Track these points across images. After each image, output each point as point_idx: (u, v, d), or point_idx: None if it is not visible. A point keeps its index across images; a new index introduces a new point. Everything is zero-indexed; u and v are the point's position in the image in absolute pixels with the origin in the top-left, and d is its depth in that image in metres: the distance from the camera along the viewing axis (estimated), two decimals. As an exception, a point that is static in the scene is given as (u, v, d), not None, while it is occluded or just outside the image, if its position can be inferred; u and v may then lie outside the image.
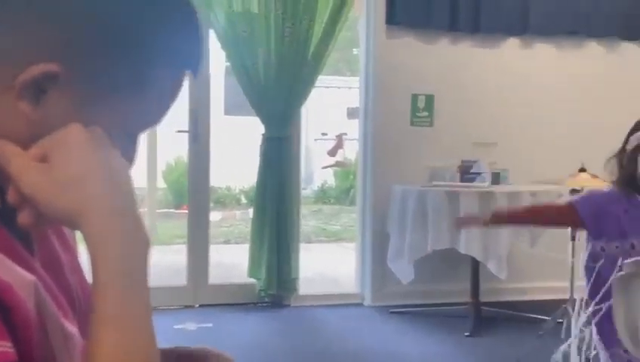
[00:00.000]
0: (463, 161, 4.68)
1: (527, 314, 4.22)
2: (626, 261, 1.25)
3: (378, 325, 4.37)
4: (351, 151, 9.60)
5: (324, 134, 10.95)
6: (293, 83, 4.57)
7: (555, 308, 3.52)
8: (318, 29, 4.58)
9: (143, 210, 8.83)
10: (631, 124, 4.26)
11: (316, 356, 3.79)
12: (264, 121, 4.64)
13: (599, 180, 3.25)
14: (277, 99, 4.56)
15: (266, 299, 4.66)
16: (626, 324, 1.30)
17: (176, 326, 4.09)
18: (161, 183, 9.96)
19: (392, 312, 4.55)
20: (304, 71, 4.59)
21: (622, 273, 1.25)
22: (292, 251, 4.64)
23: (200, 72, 0.83)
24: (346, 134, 7.83)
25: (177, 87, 0.80)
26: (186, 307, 4.62)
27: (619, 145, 4.99)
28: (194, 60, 0.81)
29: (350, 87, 10.18)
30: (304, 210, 10.31)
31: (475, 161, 4.66)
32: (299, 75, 4.57)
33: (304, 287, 4.87)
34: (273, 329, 4.30)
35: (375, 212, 4.80)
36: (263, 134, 4.66)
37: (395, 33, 4.78)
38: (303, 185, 11.58)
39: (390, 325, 4.35)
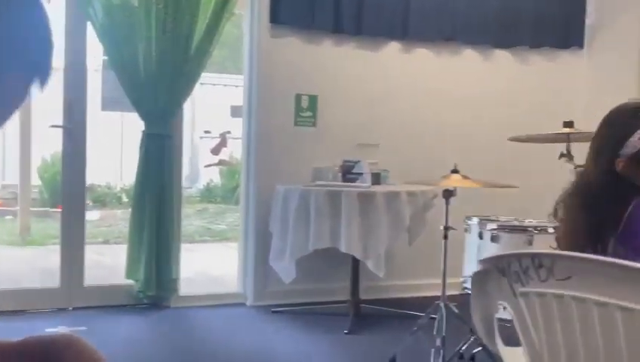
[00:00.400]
0: (344, 161, 4.76)
1: (404, 311, 4.34)
2: (482, 258, 1.30)
3: (259, 325, 4.36)
4: (237, 149, 9.55)
5: (207, 132, 10.85)
6: (174, 79, 4.47)
7: (430, 304, 3.62)
8: (201, 25, 4.51)
9: (15, 209, 8.38)
10: (502, 128, 4.45)
11: (195, 357, 3.72)
12: (144, 117, 4.52)
13: (470, 181, 3.40)
14: (158, 95, 4.45)
15: (145, 301, 4.54)
16: (482, 319, 1.36)
17: (48, 330, 3.90)
18: (36, 180, 9.50)
19: (273, 312, 4.55)
20: (186, 67, 4.50)
21: (479, 269, 1.30)
22: (172, 251, 4.54)
23: (48, 80, 0.79)
24: (229, 132, 7.76)
25: (22, 92, 0.76)
26: (60, 310, 4.42)
27: (491, 147, 5.21)
28: (41, 67, 0.77)
29: (237, 86, 10.11)
30: (189, 209, 10.17)
31: (356, 162, 4.75)
32: (181, 71, 4.48)
33: (186, 288, 4.78)
34: (151, 331, 4.19)
35: (258, 211, 4.78)
36: (143, 131, 4.54)
37: (280, 32, 4.79)
38: (188, 183, 11.40)
39: (271, 324, 4.34)
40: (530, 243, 3.33)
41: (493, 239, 3.41)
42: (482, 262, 1.28)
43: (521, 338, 1.23)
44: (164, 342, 3.95)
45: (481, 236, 3.52)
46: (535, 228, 3.41)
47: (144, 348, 3.82)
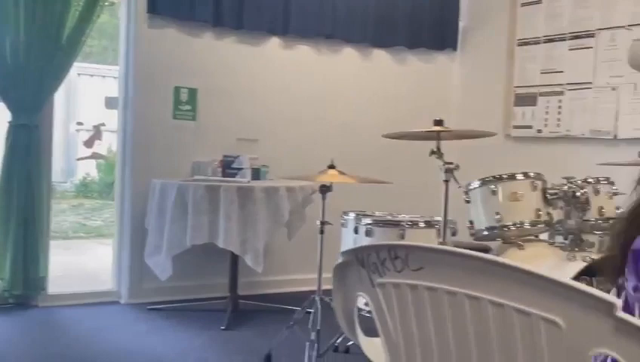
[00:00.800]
0: (224, 156, 4.73)
1: (282, 306, 4.36)
2: (343, 249, 1.32)
3: (134, 323, 4.24)
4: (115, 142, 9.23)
5: (79, 124, 10.42)
6: (44, 69, 4.26)
7: (308, 298, 3.65)
8: (73, 13, 4.32)
9: None
10: (380, 125, 4.56)
11: (64, 358, 3.57)
12: (11, 107, 4.28)
13: (346, 176, 3.45)
14: (26, 85, 4.23)
15: (11, 300, 4.31)
16: (343, 311, 1.38)
17: None
18: None
19: (149, 309, 4.44)
20: (57, 56, 4.30)
21: (339, 261, 1.32)
22: (40, 248, 4.33)
23: None
24: (104, 125, 7.44)
25: None
26: None
27: (369, 144, 5.30)
28: None
29: (116, 77, 9.77)
30: (63, 204, 9.75)
31: (236, 157, 4.73)
32: (51, 61, 4.28)
33: (59, 286, 4.58)
34: (17, 331, 3.97)
35: (134, 207, 4.65)
36: (9, 122, 4.30)
37: (158, 23, 4.67)
38: (62, 178, 10.89)
39: (146, 322, 4.23)
40: (402, 237, 3.42)
41: (368, 233, 3.48)
42: (343, 253, 1.29)
43: (378, 328, 1.26)
44: (31, 343, 3.76)
45: (356, 231, 3.58)
46: (407, 222, 3.51)
47: (9, 350, 3.62)
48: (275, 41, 5.11)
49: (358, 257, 1.26)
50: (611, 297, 0.95)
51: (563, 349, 1.01)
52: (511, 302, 1.04)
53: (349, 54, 5.40)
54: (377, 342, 1.28)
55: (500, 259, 1.03)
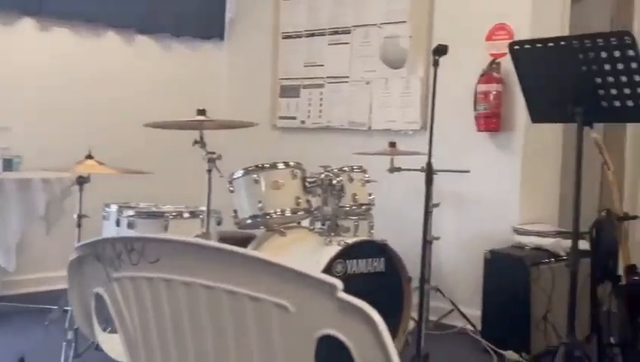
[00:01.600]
0: (-30, 146, 4.31)
1: (39, 306, 4.08)
2: (78, 244, 1.26)
3: None
4: None
5: None
6: None
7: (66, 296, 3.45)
8: None
9: None
10: (143, 114, 4.44)
11: None
12: None
13: (105, 167, 3.31)
14: None
15: None
16: (79, 307, 1.32)
17: None
18: None
19: None
20: None
21: (74, 256, 1.25)
22: None
23: None
24: None
25: None
26: None
27: (132, 133, 5.15)
28: None
29: None
30: None
31: (-16, 146, 4.34)
32: None
33: None
34: None
35: None
36: None
37: None
38: None
39: None
40: (165, 228, 3.36)
41: (130, 226, 3.37)
42: (78, 248, 1.23)
43: (116, 323, 1.22)
44: None
45: (118, 223, 3.45)
46: (171, 213, 3.45)
47: None
48: (28, 22, 4.74)
49: (94, 251, 1.21)
50: (333, 279, 1.00)
51: (292, 332, 1.05)
52: (243, 289, 1.05)
53: (111, 39, 5.18)
54: (117, 338, 1.24)
55: (230, 247, 1.04)
